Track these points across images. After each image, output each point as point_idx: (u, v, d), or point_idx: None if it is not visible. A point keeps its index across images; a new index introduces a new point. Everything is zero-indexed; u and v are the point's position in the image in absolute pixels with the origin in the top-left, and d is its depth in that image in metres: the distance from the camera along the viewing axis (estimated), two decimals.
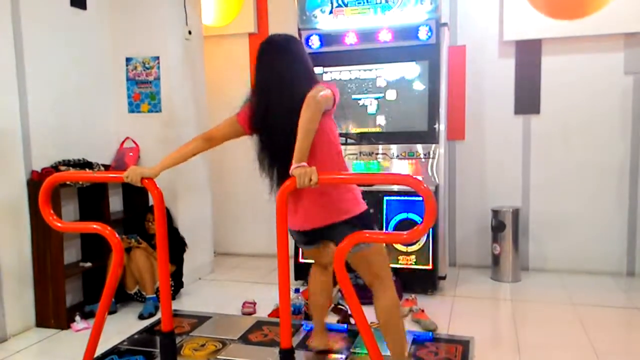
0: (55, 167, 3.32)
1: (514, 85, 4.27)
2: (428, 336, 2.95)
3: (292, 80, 2.19)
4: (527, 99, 4.25)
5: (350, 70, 4.06)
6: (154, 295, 3.49)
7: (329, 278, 2.66)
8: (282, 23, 4.72)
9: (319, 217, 2.27)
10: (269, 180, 2.28)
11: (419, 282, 3.74)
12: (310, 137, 2.01)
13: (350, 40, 3.98)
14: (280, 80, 2.21)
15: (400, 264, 3.74)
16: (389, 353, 2.34)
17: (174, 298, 3.64)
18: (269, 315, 3.33)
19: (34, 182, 3.19)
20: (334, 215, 2.25)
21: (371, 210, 3.72)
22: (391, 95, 3.96)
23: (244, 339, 3.00)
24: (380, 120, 3.99)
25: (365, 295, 3.41)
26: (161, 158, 2.37)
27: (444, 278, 3.91)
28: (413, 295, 3.52)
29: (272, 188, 2.27)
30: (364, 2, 3.89)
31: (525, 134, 4.30)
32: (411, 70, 3.91)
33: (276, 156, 2.22)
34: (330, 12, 3.97)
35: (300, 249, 2.79)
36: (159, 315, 3.29)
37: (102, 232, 2.29)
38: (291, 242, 3.41)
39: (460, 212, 4.48)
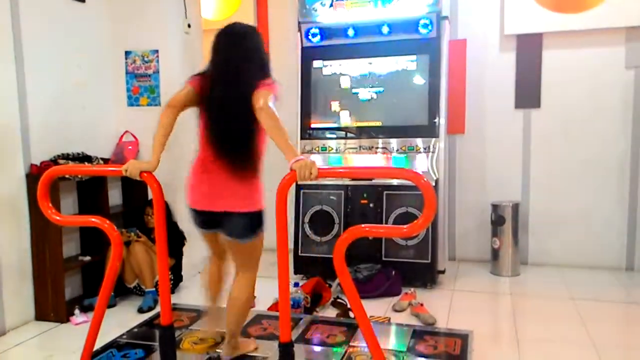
0: (54, 161, 3.31)
1: (514, 79, 4.26)
2: (427, 330, 2.95)
3: (246, 70, 2.29)
4: (528, 93, 4.24)
5: (350, 64, 4.05)
6: (153, 289, 3.50)
7: (222, 268, 2.73)
8: (282, 16, 4.70)
9: (226, 201, 2.33)
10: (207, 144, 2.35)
11: (418, 275, 3.74)
12: (286, 135, 2.09)
13: (350, 33, 3.96)
14: (235, 68, 2.30)
15: (400, 258, 3.74)
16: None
17: (173, 292, 3.64)
18: (268, 309, 3.34)
19: (33, 175, 3.19)
20: (239, 204, 2.32)
21: (371, 205, 3.80)
22: (391, 89, 3.95)
23: (244, 332, 2.99)
24: (380, 114, 3.97)
25: (364, 289, 3.45)
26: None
27: (443, 272, 3.91)
28: (412, 289, 3.52)
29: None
30: None
31: (525, 128, 4.29)
32: (411, 63, 3.90)
33: (215, 131, 2.31)
34: (331, 5, 3.95)
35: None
36: (158, 309, 3.29)
37: (101, 226, 2.29)
38: (290, 237, 3.40)
39: (460, 206, 4.48)
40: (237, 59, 2.31)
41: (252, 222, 2.37)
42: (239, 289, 2.54)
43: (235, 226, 2.37)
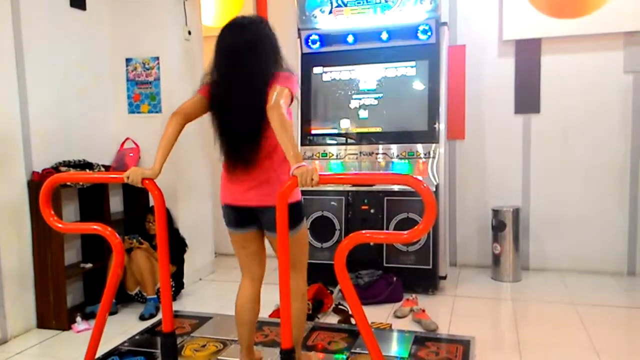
0: (55, 168, 3.32)
1: (513, 85, 4.27)
2: (429, 336, 2.95)
3: (254, 60, 2.16)
4: (527, 98, 4.25)
5: (350, 70, 4.07)
6: (155, 296, 3.49)
7: (258, 291, 2.45)
8: (281, 23, 4.68)
9: (257, 196, 2.23)
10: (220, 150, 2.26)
11: (420, 281, 3.74)
12: (293, 139, 2.00)
13: (350, 40, 3.98)
14: (242, 59, 2.16)
15: (401, 264, 3.74)
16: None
17: (174, 299, 3.64)
18: (269, 316, 3.33)
19: (35, 183, 3.19)
20: (271, 199, 2.12)
21: (372, 211, 3.80)
22: (391, 95, 3.97)
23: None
24: (380, 120, 3.99)
25: (365, 295, 3.45)
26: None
27: (444, 278, 3.91)
28: (414, 295, 3.52)
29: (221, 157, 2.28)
30: (363, 2, 3.89)
31: (525, 133, 4.30)
32: (411, 69, 3.92)
33: (229, 132, 2.20)
34: (330, 12, 3.97)
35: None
36: (159, 316, 3.28)
37: (102, 233, 2.29)
38: None
39: (461, 212, 4.48)
40: (242, 49, 2.16)
41: (292, 211, 2.12)
42: (294, 284, 2.25)
43: (273, 219, 2.05)
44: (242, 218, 2.33)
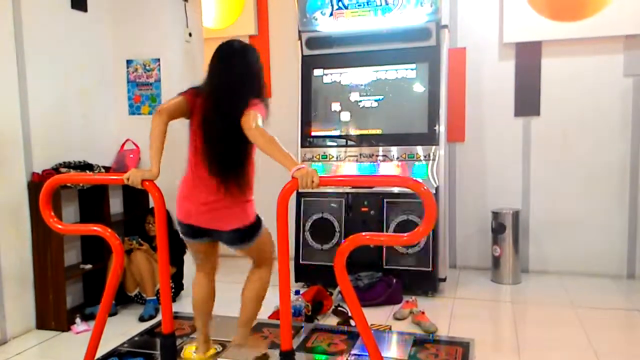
0: (55, 169, 3.32)
1: (514, 87, 4.28)
2: (428, 338, 2.95)
3: (239, 91, 2.30)
4: (527, 101, 4.26)
5: (350, 72, 4.07)
6: (154, 297, 3.49)
7: (213, 283, 2.67)
8: (282, 25, 4.73)
9: (216, 221, 2.38)
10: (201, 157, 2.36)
11: (420, 284, 3.74)
12: (281, 148, 2.08)
13: (351, 42, 3.98)
14: (229, 89, 2.31)
15: (401, 266, 3.74)
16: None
17: (174, 300, 3.63)
18: (269, 317, 3.33)
19: (35, 184, 3.20)
20: (230, 224, 2.37)
21: (371, 212, 3.80)
22: (391, 97, 3.97)
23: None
24: (381, 122, 3.99)
25: (365, 297, 3.45)
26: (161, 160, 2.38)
27: (444, 280, 3.91)
28: (413, 297, 3.51)
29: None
30: (364, 4, 3.89)
31: (525, 136, 4.30)
32: (411, 72, 3.92)
33: (208, 145, 2.32)
34: (331, 14, 3.97)
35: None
36: (159, 317, 3.29)
37: (102, 234, 2.30)
38: (291, 244, 3.40)
39: (461, 214, 4.48)
40: (230, 80, 2.32)
41: (247, 232, 2.41)
42: (255, 277, 2.57)
43: (230, 238, 2.44)
44: (196, 232, 2.44)
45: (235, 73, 2.34)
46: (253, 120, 2.17)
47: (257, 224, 2.46)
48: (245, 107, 2.23)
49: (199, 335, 2.72)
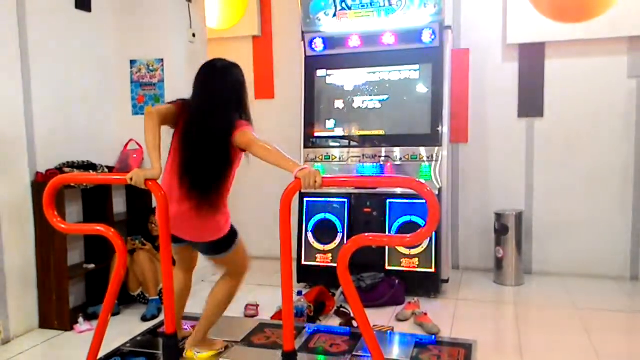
0: (59, 169, 3.33)
1: (517, 88, 4.27)
2: (431, 339, 2.95)
3: (222, 110, 2.37)
4: (531, 102, 4.25)
5: (353, 73, 4.07)
6: (157, 297, 3.50)
7: (190, 278, 2.80)
8: (286, 26, 4.73)
9: (191, 233, 2.47)
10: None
11: (422, 285, 3.73)
12: (281, 153, 2.17)
13: (354, 43, 3.99)
14: (212, 104, 2.38)
15: (403, 267, 3.74)
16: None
17: None
18: (271, 318, 3.33)
19: (38, 183, 3.21)
20: (205, 237, 2.46)
21: (374, 213, 3.80)
22: (394, 98, 3.97)
23: (247, 341, 2.99)
24: (384, 123, 3.99)
25: (367, 298, 3.45)
26: (165, 161, 2.40)
27: (446, 281, 3.90)
28: (416, 299, 3.51)
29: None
30: (367, 5, 3.89)
31: (528, 137, 4.29)
32: (414, 73, 3.92)
33: (188, 167, 2.37)
34: (334, 15, 3.98)
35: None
36: (161, 317, 3.30)
37: (106, 234, 2.30)
38: (294, 245, 3.40)
39: (463, 215, 4.48)
40: (212, 102, 2.38)
41: (221, 243, 2.48)
42: (224, 284, 2.66)
43: (204, 248, 2.54)
44: (174, 237, 2.45)
45: (216, 95, 2.40)
46: (247, 136, 2.28)
47: (232, 236, 2.52)
48: (231, 128, 2.31)
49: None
